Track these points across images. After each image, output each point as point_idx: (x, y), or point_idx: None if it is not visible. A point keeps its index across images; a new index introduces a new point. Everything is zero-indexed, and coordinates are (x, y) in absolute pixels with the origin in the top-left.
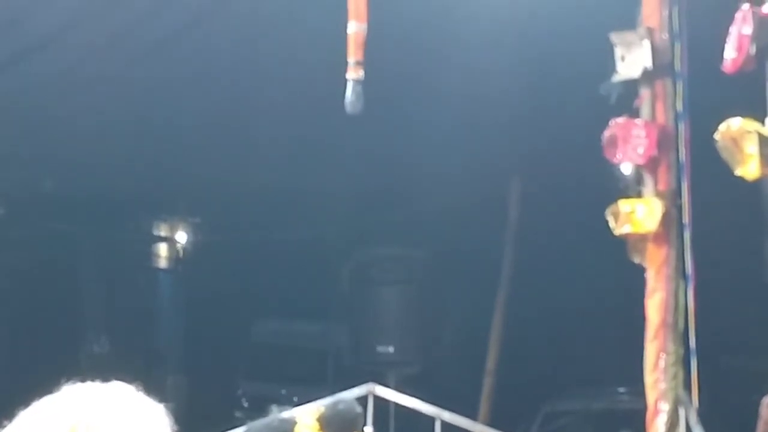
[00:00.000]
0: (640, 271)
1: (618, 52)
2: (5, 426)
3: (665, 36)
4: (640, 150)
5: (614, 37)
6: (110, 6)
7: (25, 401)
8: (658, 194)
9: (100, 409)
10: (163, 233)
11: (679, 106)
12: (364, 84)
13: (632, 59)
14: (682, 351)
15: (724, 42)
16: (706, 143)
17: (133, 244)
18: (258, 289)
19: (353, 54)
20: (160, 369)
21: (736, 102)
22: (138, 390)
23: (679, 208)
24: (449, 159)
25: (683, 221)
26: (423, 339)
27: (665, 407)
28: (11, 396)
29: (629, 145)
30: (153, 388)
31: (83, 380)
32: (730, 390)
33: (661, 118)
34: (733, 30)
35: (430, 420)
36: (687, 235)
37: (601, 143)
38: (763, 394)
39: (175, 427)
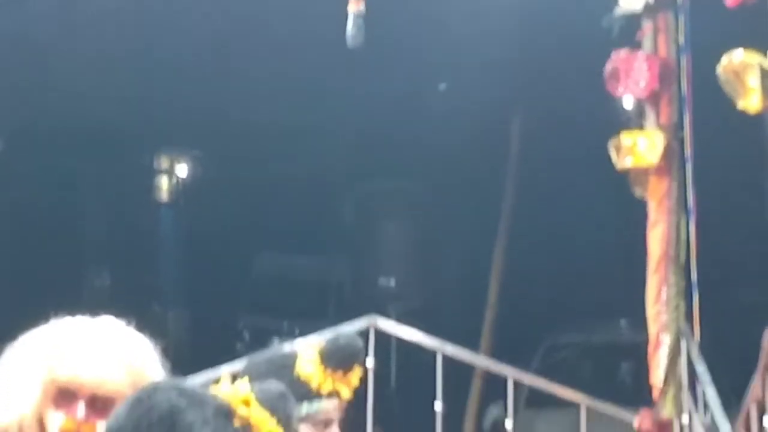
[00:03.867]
0: (642, 203)
1: None
2: None
3: None
4: (642, 83)
5: None
6: None
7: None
8: (660, 127)
9: (83, 342)
10: (164, 167)
11: (681, 40)
12: (365, 20)
13: None
14: (683, 283)
15: None
16: (708, 76)
17: (133, 177)
18: (259, 222)
19: None
20: (162, 302)
21: (738, 35)
22: (128, 324)
23: (681, 141)
24: (451, 93)
25: (685, 154)
26: (424, 272)
27: (667, 339)
28: (13, 331)
29: (631, 79)
30: (154, 321)
31: (78, 314)
32: (732, 322)
33: (663, 51)
34: None
35: (432, 353)
36: (689, 168)
37: (602, 76)
38: (764, 326)
39: (167, 362)
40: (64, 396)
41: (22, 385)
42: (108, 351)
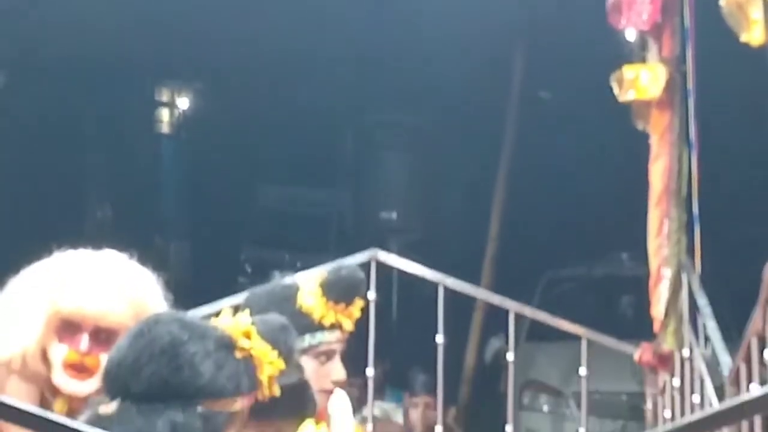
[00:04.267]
0: (644, 137)
1: None
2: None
3: None
4: (645, 16)
5: None
6: None
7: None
8: (663, 60)
9: (86, 274)
10: (165, 99)
11: None
12: None
13: None
14: (685, 217)
15: None
16: (711, 9)
17: (135, 109)
18: (261, 155)
19: None
20: (163, 235)
21: None
22: (130, 257)
23: (684, 74)
24: (453, 22)
25: (687, 87)
26: (426, 205)
27: (668, 273)
28: (15, 264)
29: (633, 11)
30: (156, 254)
31: (81, 247)
32: (734, 255)
33: None
34: None
35: (433, 286)
36: (691, 101)
37: (605, 9)
38: (766, 259)
39: (168, 295)
40: (67, 328)
41: (26, 317)
42: (111, 283)
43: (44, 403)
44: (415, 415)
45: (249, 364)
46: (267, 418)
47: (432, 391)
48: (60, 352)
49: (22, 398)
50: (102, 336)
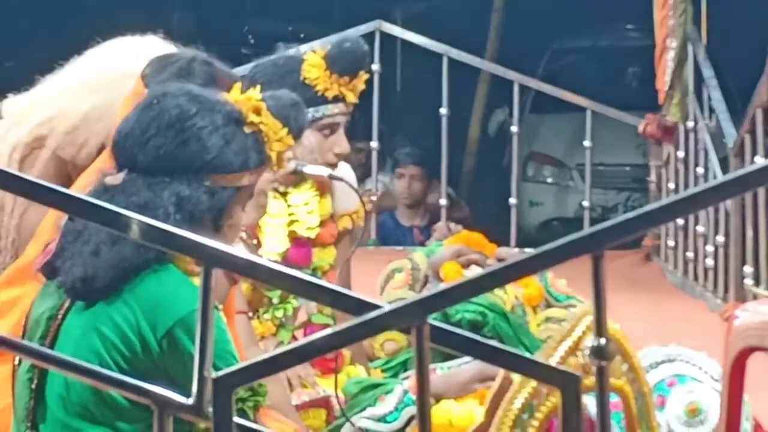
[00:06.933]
0: None
1: None
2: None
3: None
4: None
5: None
6: None
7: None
8: None
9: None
10: None
11: None
12: None
13: None
14: None
15: None
16: None
17: None
18: None
19: None
20: (167, 6)
21: None
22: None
23: None
24: None
25: None
26: None
27: (673, 44)
28: (17, 52)
29: None
30: (159, 25)
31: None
32: (741, 26)
33: None
34: None
35: (438, 57)
36: None
37: None
38: None
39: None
40: None
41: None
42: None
43: (65, 179)
44: (401, 186)
45: (258, 139)
46: None
47: (418, 162)
48: None
49: (50, 173)
50: None
